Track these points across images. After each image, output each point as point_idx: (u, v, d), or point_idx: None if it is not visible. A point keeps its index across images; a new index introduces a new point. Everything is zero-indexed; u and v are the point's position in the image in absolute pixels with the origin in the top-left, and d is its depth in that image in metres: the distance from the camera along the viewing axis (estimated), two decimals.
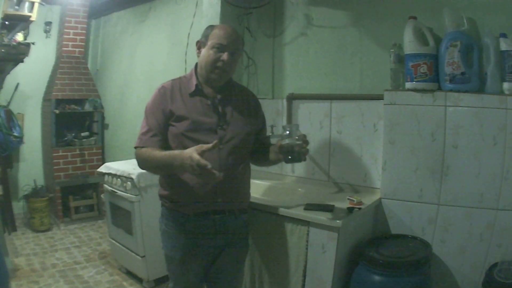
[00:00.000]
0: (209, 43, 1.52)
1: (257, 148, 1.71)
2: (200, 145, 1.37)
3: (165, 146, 1.54)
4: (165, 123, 1.53)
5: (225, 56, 1.51)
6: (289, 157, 1.51)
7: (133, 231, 2.65)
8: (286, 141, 1.51)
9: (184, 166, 1.36)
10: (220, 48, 1.51)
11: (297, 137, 1.51)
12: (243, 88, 1.78)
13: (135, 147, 1.55)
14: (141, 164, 1.56)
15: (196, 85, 1.56)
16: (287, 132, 1.53)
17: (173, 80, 1.62)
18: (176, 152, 1.43)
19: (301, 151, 1.50)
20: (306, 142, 1.52)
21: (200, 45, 1.58)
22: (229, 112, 1.58)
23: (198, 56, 1.59)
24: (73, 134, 4.15)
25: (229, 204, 1.57)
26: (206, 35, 1.55)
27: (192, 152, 1.33)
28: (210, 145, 1.35)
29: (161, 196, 1.63)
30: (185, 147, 1.49)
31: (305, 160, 1.54)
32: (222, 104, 1.58)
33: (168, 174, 1.56)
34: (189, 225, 1.56)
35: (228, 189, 1.54)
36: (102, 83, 4.43)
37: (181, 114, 1.52)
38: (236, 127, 1.57)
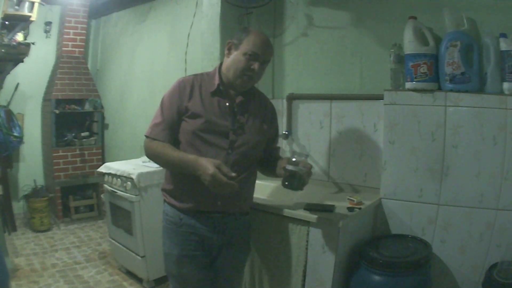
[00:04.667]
0: (242, 48, 1.49)
1: (265, 159, 1.70)
2: (220, 162, 1.36)
3: (174, 139, 1.53)
4: (178, 118, 1.52)
5: (256, 66, 1.49)
6: (286, 182, 1.49)
7: (133, 231, 2.65)
8: (290, 167, 1.47)
9: (197, 174, 1.36)
10: (253, 56, 1.49)
11: (303, 166, 1.47)
12: (263, 95, 1.74)
13: (146, 136, 1.54)
14: (149, 156, 1.56)
15: (218, 85, 1.54)
16: (294, 159, 1.49)
17: (194, 75, 1.59)
18: (191, 158, 1.41)
19: (301, 181, 1.48)
20: (309, 173, 1.49)
21: (231, 46, 1.54)
22: (245, 118, 1.56)
23: (227, 56, 1.55)
24: (73, 134, 4.16)
25: (228, 208, 1.56)
26: (240, 38, 1.51)
27: (214, 172, 1.31)
28: (230, 174, 1.33)
29: (163, 190, 1.63)
30: (193, 146, 1.49)
31: (301, 190, 1.51)
32: (240, 108, 1.55)
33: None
34: (188, 222, 1.55)
35: (229, 195, 1.49)
36: (102, 83, 4.43)
37: (196, 112, 1.50)
38: (249, 134, 1.55)
